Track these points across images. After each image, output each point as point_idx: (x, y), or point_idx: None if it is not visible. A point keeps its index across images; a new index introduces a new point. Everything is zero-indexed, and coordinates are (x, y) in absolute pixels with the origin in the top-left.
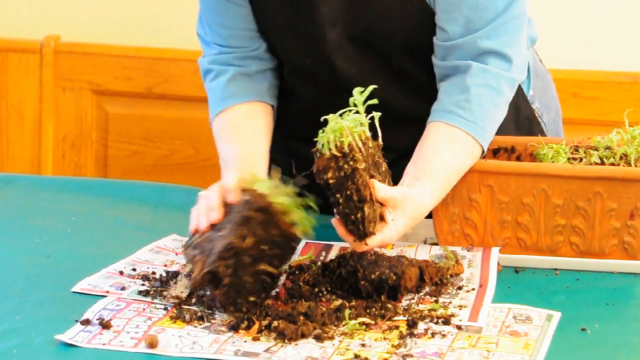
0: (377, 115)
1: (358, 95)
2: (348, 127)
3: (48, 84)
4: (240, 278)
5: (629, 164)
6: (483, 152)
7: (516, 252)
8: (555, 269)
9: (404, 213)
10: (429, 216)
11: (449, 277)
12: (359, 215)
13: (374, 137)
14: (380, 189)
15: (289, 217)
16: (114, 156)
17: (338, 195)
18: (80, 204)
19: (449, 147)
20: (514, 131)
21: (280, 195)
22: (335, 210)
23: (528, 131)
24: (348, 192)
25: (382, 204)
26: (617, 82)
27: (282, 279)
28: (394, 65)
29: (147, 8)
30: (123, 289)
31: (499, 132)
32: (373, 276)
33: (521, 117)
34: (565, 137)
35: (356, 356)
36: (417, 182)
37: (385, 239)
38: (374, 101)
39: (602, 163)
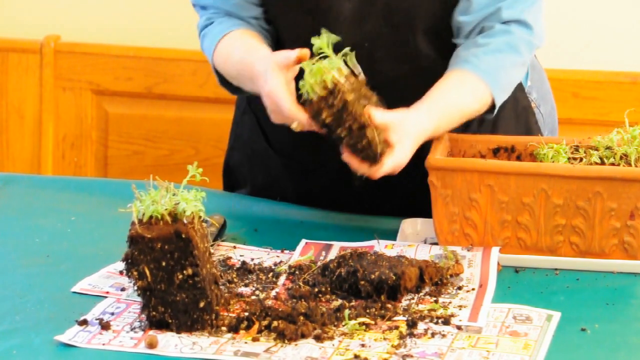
0: (348, 52)
1: (324, 38)
2: (324, 66)
3: (48, 84)
4: (176, 302)
5: (629, 164)
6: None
7: (516, 252)
8: (555, 269)
9: (406, 133)
10: (429, 216)
11: (448, 277)
12: (364, 141)
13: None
14: (377, 113)
15: (164, 220)
16: (114, 156)
17: (340, 130)
18: (80, 204)
19: (457, 87)
20: (512, 120)
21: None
22: (344, 146)
23: (526, 121)
24: (347, 124)
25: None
26: (617, 82)
27: (282, 278)
28: (410, 43)
29: (147, 8)
30: (123, 289)
31: (498, 125)
32: (373, 276)
33: (519, 107)
34: (565, 137)
35: (356, 356)
36: (413, 108)
37: (397, 160)
38: (338, 38)
39: (602, 163)
